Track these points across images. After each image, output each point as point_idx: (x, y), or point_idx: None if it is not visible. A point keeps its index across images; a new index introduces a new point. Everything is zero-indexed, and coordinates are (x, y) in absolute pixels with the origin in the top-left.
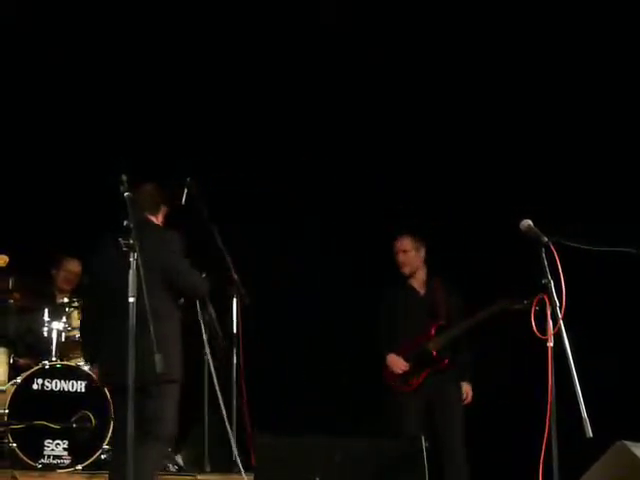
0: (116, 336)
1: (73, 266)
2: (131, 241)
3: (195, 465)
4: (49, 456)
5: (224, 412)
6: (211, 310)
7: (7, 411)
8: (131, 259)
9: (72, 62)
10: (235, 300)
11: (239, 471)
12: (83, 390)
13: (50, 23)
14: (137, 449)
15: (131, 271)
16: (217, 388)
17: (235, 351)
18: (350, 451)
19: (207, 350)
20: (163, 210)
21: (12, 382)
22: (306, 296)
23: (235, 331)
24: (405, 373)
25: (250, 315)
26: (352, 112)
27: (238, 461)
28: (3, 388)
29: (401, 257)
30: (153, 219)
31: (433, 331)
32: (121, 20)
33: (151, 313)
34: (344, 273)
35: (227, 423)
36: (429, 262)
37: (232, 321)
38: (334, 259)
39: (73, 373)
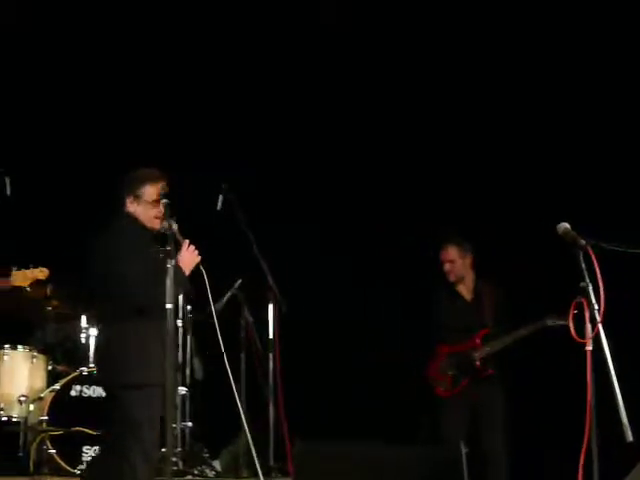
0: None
1: None
2: (168, 248)
3: (232, 470)
4: (87, 462)
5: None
6: (248, 316)
7: (46, 418)
8: (168, 265)
9: (97, 64)
10: (272, 305)
11: (276, 477)
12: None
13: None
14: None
15: (168, 278)
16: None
17: (272, 357)
18: (389, 458)
19: (243, 355)
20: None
21: (50, 389)
22: (344, 301)
23: (272, 336)
24: (448, 378)
25: (287, 320)
26: (381, 112)
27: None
28: (42, 395)
29: (447, 267)
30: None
31: (478, 340)
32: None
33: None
34: (384, 278)
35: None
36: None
37: (269, 327)
38: (375, 266)
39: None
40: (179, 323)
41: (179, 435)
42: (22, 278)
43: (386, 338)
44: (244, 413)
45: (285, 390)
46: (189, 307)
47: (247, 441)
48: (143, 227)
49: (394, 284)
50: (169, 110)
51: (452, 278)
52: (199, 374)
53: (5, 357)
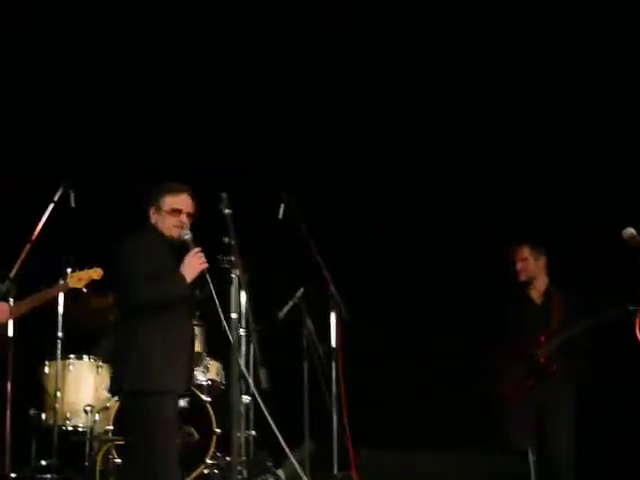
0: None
1: None
2: (232, 258)
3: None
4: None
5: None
6: (310, 324)
7: (111, 427)
8: (232, 276)
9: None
10: (333, 314)
11: None
12: (186, 405)
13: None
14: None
15: (233, 288)
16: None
17: (334, 365)
18: (454, 466)
19: (305, 364)
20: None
21: (116, 398)
22: (406, 308)
23: (334, 345)
24: (514, 380)
25: (349, 329)
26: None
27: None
28: (107, 404)
29: (519, 265)
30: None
31: (543, 338)
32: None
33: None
34: (448, 285)
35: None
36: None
37: (331, 335)
38: (439, 273)
39: None
40: (242, 332)
41: (243, 444)
42: (77, 280)
43: (449, 344)
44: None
45: (348, 399)
46: (251, 316)
47: (311, 449)
48: (162, 236)
49: (458, 290)
50: (230, 122)
51: (523, 277)
52: (265, 383)
53: (71, 367)
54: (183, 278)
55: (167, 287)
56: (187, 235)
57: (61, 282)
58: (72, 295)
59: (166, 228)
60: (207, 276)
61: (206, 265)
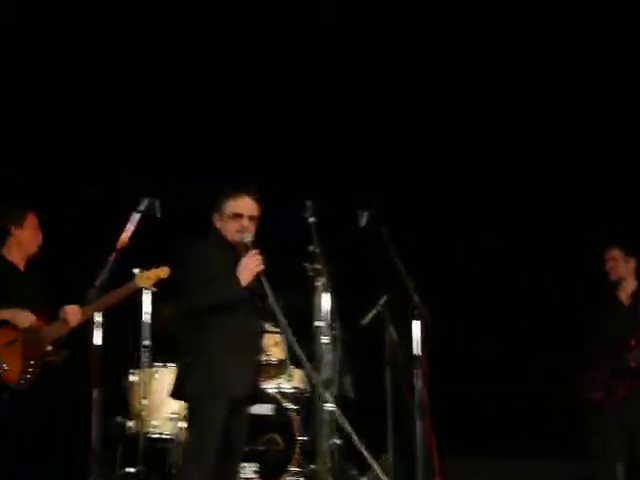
0: None
1: None
2: (317, 266)
3: None
4: (240, 478)
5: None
6: (392, 331)
7: None
8: (318, 284)
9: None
10: (416, 322)
11: None
12: (270, 413)
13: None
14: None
15: (317, 295)
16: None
17: (417, 373)
18: (540, 474)
19: (388, 371)
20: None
21: None
22: (490, 313)
23: (417, 353)
24: (603, 386)
25: (432, 336)
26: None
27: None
28: None
29: (609, 264)
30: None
31: (633, 342)
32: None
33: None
34: (532, 286)
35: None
36: None
37: (414, 343)
38: (522, 274)
39: (260, 396)
40: (326, 340)
41: (328, 452)
42: (145, 279)
43: (535, 348)
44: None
45: (432, 407)
46: (336, 324)
47: (395, 458)
48: (226, 241)
49: (543, 292)
50: (315, 130)
51: (613, 276)
52: (350, 392)
53: (156, 375)
54: (238, 281)
55: (222, 291)
56: (248, 238)
57: (130, 282)
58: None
59: (229, 233)
60: (262, 279)
61: (262, 267)
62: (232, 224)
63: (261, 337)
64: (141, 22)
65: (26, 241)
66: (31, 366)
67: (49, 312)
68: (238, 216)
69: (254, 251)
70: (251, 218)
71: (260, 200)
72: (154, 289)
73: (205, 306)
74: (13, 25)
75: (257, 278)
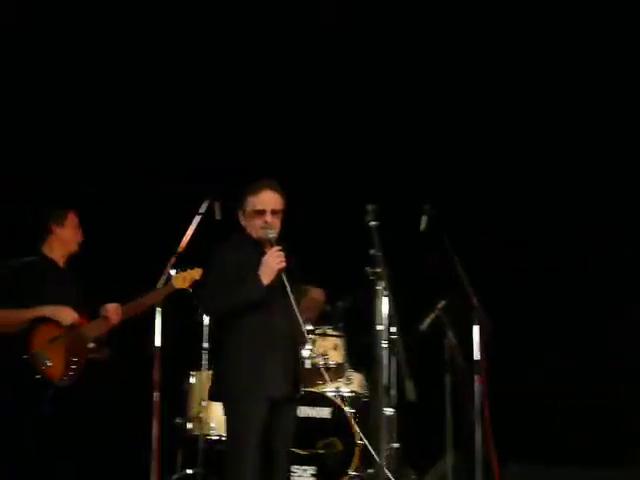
0: None
1: (316, 294)
2: (378, 270)
3: None
4: None
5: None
6: (451, 336)
7: None
8: (379, 288)
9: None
10: (477, 327)
11: None
12: (328, 416)
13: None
14: None
15: (378, 299)
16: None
17: (477, 379)
18: None
19: (447, 376)
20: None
21: None
22: (549, 317)
23: (477, 358)
24: None
25: (492, 341)
26: None
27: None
28: None
29: None
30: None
31: None
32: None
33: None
34: (595, 292)
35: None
36: None
37: (474, 348)
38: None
39: (318, 400)
40: (385, 344)
41: (387, 456)
42: (182, 280)
43: (593, 358)
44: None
45: (492, 412)
46: (394, 328)
47: (454, 463)
48: (251, 238)
49: (599, 297)
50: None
51: None
52: (411, 396)
53: None
54: (259, 280)
55: (243, 291)
56: (272, 234)
57: (167, 283)
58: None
59: (253, 230)
60: (283, 277)
61: (283, 264)
62: (255, 221)
63: (295, 336)
64: (146, 21)
65: (67, 239)
66: (74, 363)
67: (89, 310)
68: (260, 212)
69: (276, 248)
70: (274, 212)
71: (283, 192)
72: (190, 290)
73: (226, 307)
74: (13, 25)
75: (279, 276)
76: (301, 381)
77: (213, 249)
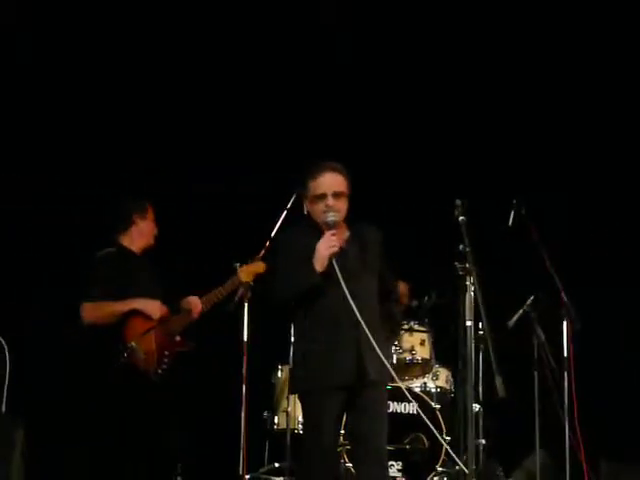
0: None
1: (401, 289)
2: (467, 265)
3: None
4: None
5: None
6: (540, 332)
7: (343, 431)
8: (467, 283)
9: None
10: (565, 323)
11: None
12: (415, 412)
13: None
14: None
15: (467, 295)
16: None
17: (566, 376)
18: None
19: (536, 373)
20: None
21: None
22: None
23: (566, 355)
24: None
25: (582, 337)
26: None
27: None
28: None
29: None
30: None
31: None
32: None
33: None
34: None
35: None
36: None
37: (563, 345)
38: None
39: (404, 395)
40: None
41: (474, 452)
42: (246, 273)
43: None
44: None
45: (581, 409)
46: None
47: (542, 461)
48: (316, 225)
49: None
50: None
51: None
52: (502, 392)
53: None
54: (311, 267)
55: (297, 279)
56: (330, 217)
57: (233, 277)
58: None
59: (316, 215)
60: (334, 262)
61: (335, 249)
62: (318, 206)
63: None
64: (152, 20)
65: (147, 232)
66: (166, 356)
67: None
68: (321, 196)
69: (329, 232)
70: (336, 195)
71: (346, 174)
72: (252, 284)
73: (284, 296)
74: (13, 25)
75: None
76: (372, 366)
77: (279, 238)
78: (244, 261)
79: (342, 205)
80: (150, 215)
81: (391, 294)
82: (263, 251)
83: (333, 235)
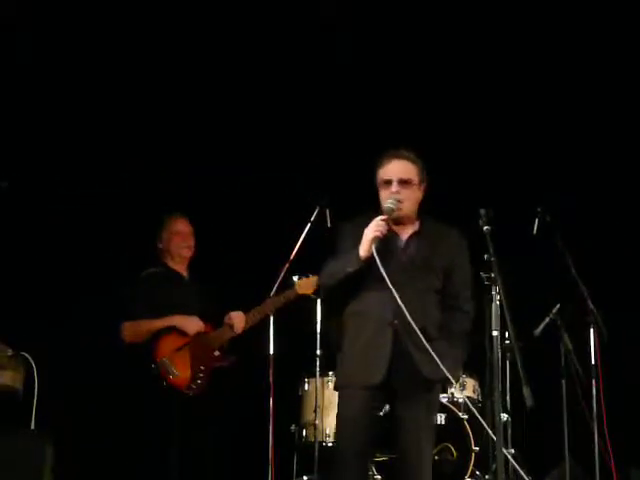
0: None
1: None
2: (492, 275)
3: None
4: None
5: None
6: (567, 341)
7: None
8: (493, 292)
9: None
10: (592, 331)
11: None
12: (443, 422)
13: None
14: None
15: (494, 304)
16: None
17: (594, 384)
18: None
19: (564, 381)
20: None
21: None
22: None
23: (594, 363)
24: None
25: (609, 345)
26: None
27: None
28: None
29: None
30: None
31: None
32: None
33: None
34: None
35: None
36: None
37: (590, 353)
38: None
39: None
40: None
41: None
42: (306, 286)
43: None
44: None
45: (612, 418)
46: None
47: (572, 470)
48: (377, 213)
49: None
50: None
51: None
52: (529, 401)
53: (329, 384)
54: (355, 252)
55: (340, 266)
56: (389, 203)
57: (289, 290)
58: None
59: (382, 202)
60: (373, 247)
61: (378, 233)
62: (384, 193)
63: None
64: (152, 20)
65: (171, 246)
66: (201, 372)
67: (214, 318)
68: (387, 183)
69: (379, 217)
70: (402, 182)
71: (416, 161)
72: (314, 296)
73: (329, 281)
74: (13, 25)
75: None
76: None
77: (340, 226)
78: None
79: (410, 194)
80: (172, 227)
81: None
82: (287, 265)
83: (383, 220)
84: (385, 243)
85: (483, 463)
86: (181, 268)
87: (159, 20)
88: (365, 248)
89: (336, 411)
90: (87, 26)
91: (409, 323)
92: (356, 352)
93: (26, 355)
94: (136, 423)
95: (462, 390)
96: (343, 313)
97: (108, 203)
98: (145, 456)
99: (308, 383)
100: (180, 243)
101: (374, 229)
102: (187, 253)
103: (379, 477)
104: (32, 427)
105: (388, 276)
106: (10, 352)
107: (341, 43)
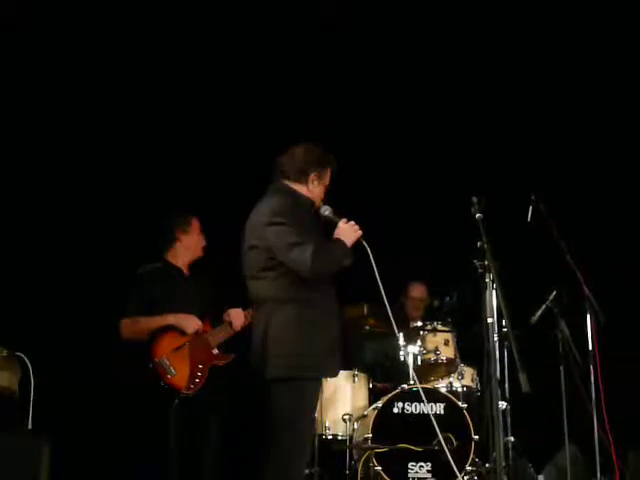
0: None
1: (418, 292)
2: (486, 262)
3: None
4: (414, 478)
5: None
6: (564, 327)
7: (370, 435)
8: (487, 280)
9: None
10: (589, 316)
11: None
12: (442, 412)
13: None
14: None
15: (487, 292)
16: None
17: (592, 370)
18: None
19: (562, 368)
20: (314, 177)
21: (373, 406)
22: None
23: (591, 348)
24: None
25: (607, 331)
26: None
27: None
28: (365, 413)
29: None
30: (295, 187)
31: None
32: None
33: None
34: None
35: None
36: None
37: (587, 339)
38: None
39: (431, 395)
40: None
41: (502, 450)
42: None
43: None
44: None
45: (611, 403)
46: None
47: (572, 455)
48: (304, 201)
49: None
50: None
51: None
52: (526, 387)
53: (329, 378)
54: (348, 247)
55: (338, 256)
56: (327, 211)
57: None
58: None
59: (317, 199)
60: (364, 242)
61: (361, 232)
62: (321, 192)
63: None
64: (153, 19)
65: (192, 246)
66: (199, 370)
67: (215, 316)
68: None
69: (344, 219)
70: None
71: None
72: None
73: (325, 270)
74: (13, 25)
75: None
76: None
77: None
78: None
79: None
80: (194, 228)
81: None
82: None
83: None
84: None
85: (483, 451)
86: (184, 265)
87: (159, 20)
88: (351, 244)
89: (336, 405)
90: (87, 26)
91: None
92: (310, 339)
93: (22, 355)
94: (134, 423)
95: (460, 379)
96: None
97: (108, 203)
98: (143, 456)
99: None
100: (201, 244)
101: (357, 228)
102: (201, 253)
103: (379, 468)
104: (29, 427)
105: None
106: (6, 353)
107: (341, 43)
